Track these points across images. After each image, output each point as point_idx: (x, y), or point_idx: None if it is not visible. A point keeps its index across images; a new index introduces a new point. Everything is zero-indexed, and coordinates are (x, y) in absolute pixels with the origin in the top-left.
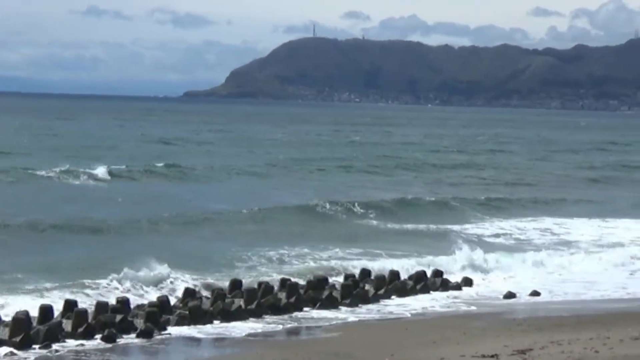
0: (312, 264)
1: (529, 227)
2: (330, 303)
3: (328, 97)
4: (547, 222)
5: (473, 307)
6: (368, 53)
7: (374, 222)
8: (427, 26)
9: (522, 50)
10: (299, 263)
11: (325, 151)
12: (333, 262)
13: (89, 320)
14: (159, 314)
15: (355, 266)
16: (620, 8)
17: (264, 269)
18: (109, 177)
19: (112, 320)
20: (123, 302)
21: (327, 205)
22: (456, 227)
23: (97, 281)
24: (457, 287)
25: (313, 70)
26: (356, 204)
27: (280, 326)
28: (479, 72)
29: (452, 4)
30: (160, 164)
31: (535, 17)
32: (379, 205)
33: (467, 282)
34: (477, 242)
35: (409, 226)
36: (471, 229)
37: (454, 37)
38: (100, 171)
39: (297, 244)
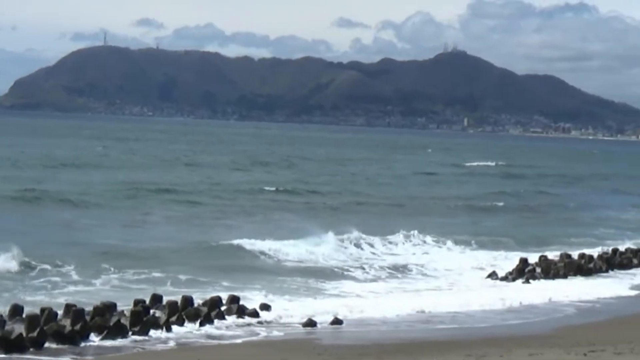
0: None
1: (349, 253)
2: (119, 330)
3: (119, 110)
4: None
5: (271, 336)
6: (162, 64)
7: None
8: (224, 36)
9: (326, 63)
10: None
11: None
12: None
13: None
14: None
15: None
16: (427, 21)
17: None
18: None
19: None
20: None
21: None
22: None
23: None
24: (255, 313)
25: (103, 81)
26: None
27: (63, 356)
28: (280, 86)
29: (251, 12)
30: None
31: (339, 28)
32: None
33: (265, 308)
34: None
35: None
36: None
37: (253, 48)
38: None
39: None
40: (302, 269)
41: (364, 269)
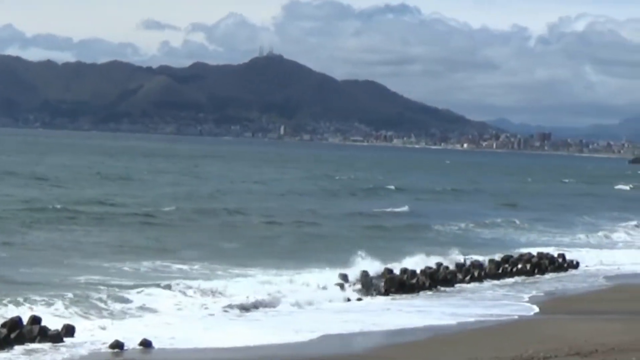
0: None
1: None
2: None
3: None
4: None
5: (74, 359)
6: None
7: None
8: (25, 38)
9: (135, 67)
10: None
11: None
12: None
13: None
14: None
15: None
16: (240, 23)
17: None
18: None
19: None
20: None
21: None
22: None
23: None
24: (57, 336)
25: None
26: None
27: None
28: (86, 92)
29: (53, 13)
30: None
31: (147, 31)
32: None
33: (69, 330)
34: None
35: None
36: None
37: (56, 52)
38: None
39: None
40: (109, 286)
41: (183, 291)
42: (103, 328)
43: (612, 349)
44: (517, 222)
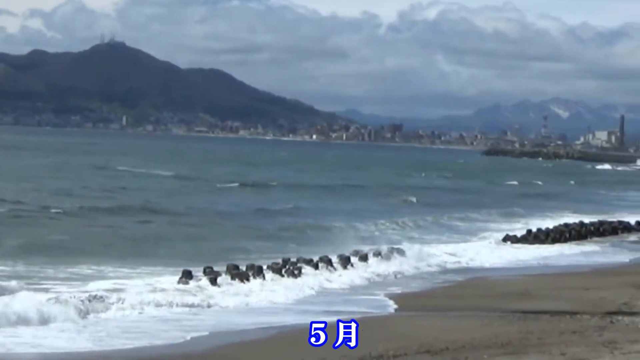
0: None
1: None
2: None
3: None
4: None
5: None
6: None
7: None
8: None
9: None
10: None
11: None
12: None
13: None
14: None
15: None
16: (80, 9)
17: None
18: None
19: None
20: None
21: None
22: None
23: None
24: None
25: None
26: None
27: None
28: None
29: None
30: None
31: None
32: None
33: None
34: None
35: None
36: None
37: None
38: None
39: None
40: None
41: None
42: None
43: (462, 346)
44: (405, 220)
